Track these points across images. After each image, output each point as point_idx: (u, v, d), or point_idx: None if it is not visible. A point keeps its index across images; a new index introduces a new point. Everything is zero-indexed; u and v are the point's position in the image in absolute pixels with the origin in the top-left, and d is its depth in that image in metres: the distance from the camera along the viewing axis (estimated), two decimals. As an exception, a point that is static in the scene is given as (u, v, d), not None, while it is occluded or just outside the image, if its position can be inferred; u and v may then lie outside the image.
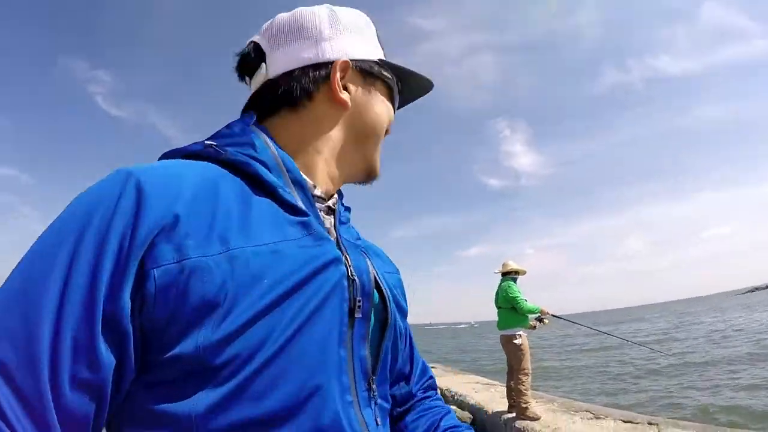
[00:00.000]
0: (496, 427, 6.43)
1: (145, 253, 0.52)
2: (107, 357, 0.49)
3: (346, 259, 0.68)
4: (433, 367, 12.62)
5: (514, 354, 6.28)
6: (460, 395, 8.24)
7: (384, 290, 0.74)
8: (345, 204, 0.84)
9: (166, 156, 0.68)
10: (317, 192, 0.74)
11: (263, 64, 0.77)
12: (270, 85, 0.76)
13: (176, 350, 0.51)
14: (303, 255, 0.62)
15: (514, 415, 6.23)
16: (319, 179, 0.76)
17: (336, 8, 0.81)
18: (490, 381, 9.74)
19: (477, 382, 9.67)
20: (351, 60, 0.77)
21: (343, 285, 0.65)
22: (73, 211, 0.54)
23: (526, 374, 6.19)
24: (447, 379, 10.25)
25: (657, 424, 5.26)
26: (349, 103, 0.77)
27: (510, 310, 6.43)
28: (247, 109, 0.80)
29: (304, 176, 0.72)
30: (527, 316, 6.41)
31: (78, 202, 0.55)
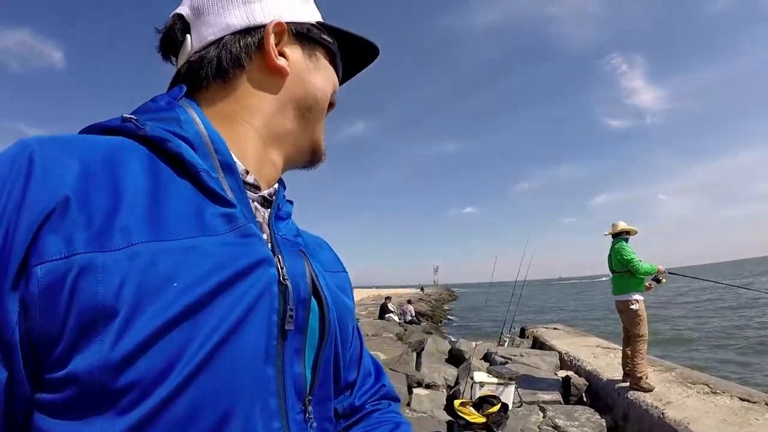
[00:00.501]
0: (609, 396, 6.49)
1: (29, 245, 0.44)
2: None
3: (279, 261, 0.59)
4: (554, 328, 12.80)
5: (630, 320, 6.16)
6: (578, 360, 8.32)
7: (323, 296, 0.64)
8: (288, 198, 0.77)
9: (84, 132, 0.59)
10: (250, 179, 0.66)
11: (188, 36, 0.69)
12: (197, 58, 0.67)
13: (69, 368, 0.43)
14: (225, 254, 0.53)
15: (627, 384, 6.16)
16: (254, 164, 0.68)
17: None
18: (611, 345, 9.60)
19: (597, 346, 9.60)
20: (286, 23, 0.69)
21: (273, 291, 0.56)
22: None
23: (643, 341, 6.07)
24: (566, 342, 10.31)
25: (776, 405, 5.05)
26: (288, 70, 0.69)
27: (625, 273, 6.27)
28: (175, 84, 0.70)
29: (236, 159, 0.63)
30: (643, 279, 6.21)
31: None
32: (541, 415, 4.93)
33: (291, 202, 0.77)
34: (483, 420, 4.50)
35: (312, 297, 0.63)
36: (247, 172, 0.65)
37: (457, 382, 7.28)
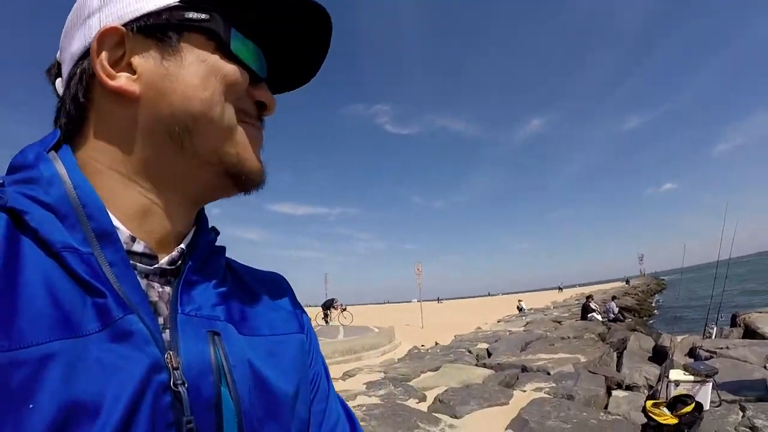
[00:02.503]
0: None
1: None
2: None
3: (170, 358, 0.46)
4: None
5: None
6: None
7: (233, 391, 0.50)
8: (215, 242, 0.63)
9: None
10: (138, 247, 0.52)
11: (58, 80, 0.58)
12: (59, 104, 0.56)
13: None
14: (93, 362, 0.41)
15: None
16: (139, 223, 0.53)
17: None
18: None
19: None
20: (125, 23, 0.52)
21: (163, 404, 0.44)
22: None
23: None
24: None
25: None
26: (134, 88, 0.52)
27: None
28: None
29: (118, 223, 0.51)
30: None
31: None
32: (741, 414, 4.79)
33: (221, 252, 0.64)
34: (675, 421, 4.52)
35: (228, 394, 0.50)
36: (134, 239, 0.52)
37: (657, 382, 7.18)
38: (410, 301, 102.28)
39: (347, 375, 9.99)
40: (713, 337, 10.30)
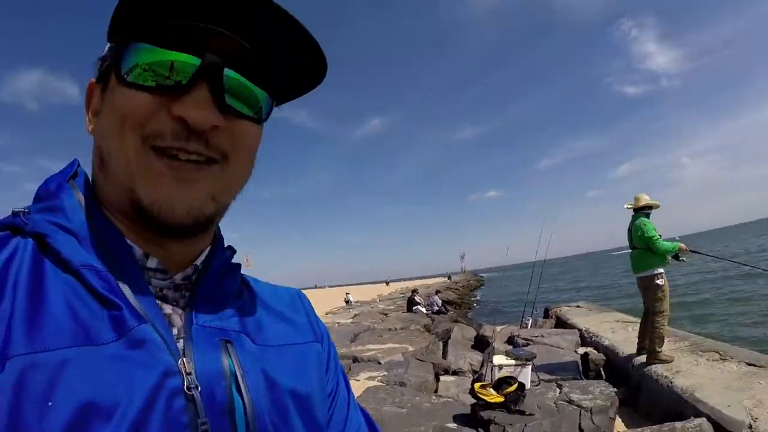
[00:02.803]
0: (625, 369, 6.79)
1: None
2: None
3: (184, 364, 0.50)
4: (577, 306, 13.07)
5: (651, 295, 6.24)
6: (597, 336, 8.62)
7: (245, 396, 0.53)
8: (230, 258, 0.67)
9: None
10: (152, 263, 0.57)
11: None
12: None
13: None
14: (108, 368, 0.45)
15: (644, 357, 6.35)
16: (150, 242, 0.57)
17: None
18: (630, 318, 9.85)
19: (617, 320, 9.88)
20: (98, 75, 0.59)
21: (176, 407, 0.47)
22: None
23: (664, 316, 6.15)
24: (588, 319, 10.58)
25: (782, 368, 5.22)
26: (91, 129, 0.59)
27: (646, 250, 6.31)
28: None
29: (132, 243, 0.56)
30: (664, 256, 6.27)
31: None
32: (558, 391, 5.14)
33: (236, 268, 0.67)
34: (501, 399, 4.72)
35: (240, 399, 0.52)
36: (147, 256, 0.56)
37: (481, 367, 7.55)
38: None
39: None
40: (529, 327, 11.25)
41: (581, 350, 8.02)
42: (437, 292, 22.97)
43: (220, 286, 0.62)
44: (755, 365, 5.58)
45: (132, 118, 0.51)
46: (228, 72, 0.53)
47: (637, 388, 6.22)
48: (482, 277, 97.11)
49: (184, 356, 0.51)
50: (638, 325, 6.98)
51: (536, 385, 5.74)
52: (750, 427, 4.14)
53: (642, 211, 6.54)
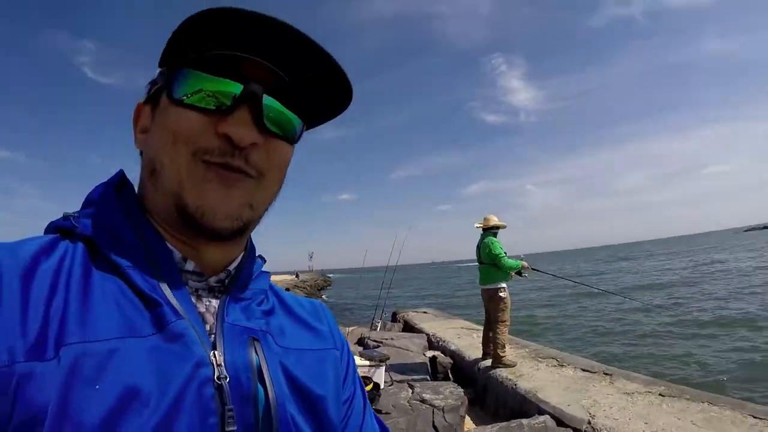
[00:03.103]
0: (471, 372, 7.04)
1: None
2: None
3: (215, 357, 0.55)
4: (423, 312, 13.42)
5: (495, 306, 6.61)
6: (444, 341, 8.89)
7: (269, 387, 0.58)
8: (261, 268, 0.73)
9: (47, 229, 0.62)
10: (189, 266, 0.62)
11: None
12: None
13: None
14: (150, 358, 0.50)
15: (489, 362, 6.71)
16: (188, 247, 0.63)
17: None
18: (474, 326, 10.39)
19: (462, 327, 10.36)
20: (146, 96, 0.67)
21: (206, 394, 0.52)
22: None
23: (506, 325, 6.58)
24: (435, 325, 10.96)
25: (610, 374, 5.80)
26: (143, 144, 0.66)
27: (492, 265, 6.70)
28: None
29: (172, 247, 0.61)
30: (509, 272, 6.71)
31: None
32: (410, 391, 5.19)
33: (265, 276, 0.73)
34: None
35: (263, 390, 0.57)
36: (185, 259, 0.62)
37: None
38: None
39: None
40: (378, 329, 11.26)
41: (429, 353, 8.17)
42: (287, 290, 22.51)
43: (249, 291, 0.68)
44: (589, 371, 6.14)
45: (183, 134, 0.58)
46: (266, 99, 0.60)
47: (483, 389, 6.47)
48: (329, 277, 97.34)
49: (215, 350, 0.56)
50: (482, 332, 7.32)
51: (390, 385, 5.73)
52: (589, 422, 4.44)
53: (490, 230, 7.02)
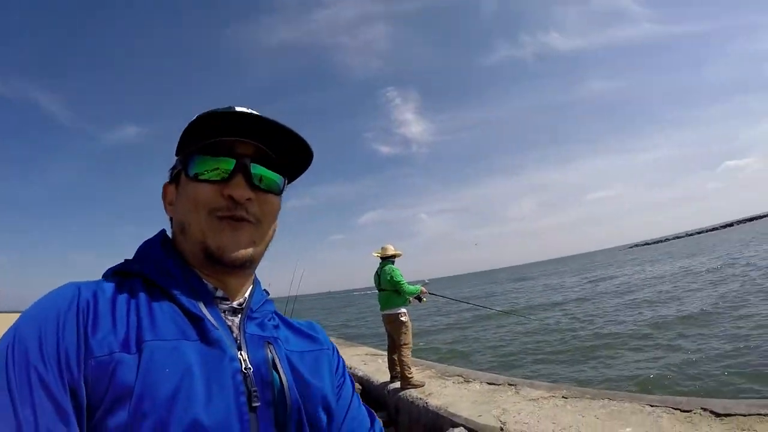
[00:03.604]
0: (381, 396, 7.10)
1: (85, 348, 0.66)
2: (74, 420, 0.62)
3: (241, 355, 0.78)
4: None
5: (397, 330, 6.78)
6: (351, 367, 8.79)
7: (282, 376, 0.81)
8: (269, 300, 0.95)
9: (106, 273, 0.83)
10: (219, 293, 0.85)
11: None
12: None
13: (103, 425, 0.63)
14: (198, 354, 0.73)
15: (398, 384, 6.80)
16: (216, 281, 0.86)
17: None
18: (378, 351, 10.49)
19: (366, 354, 10.39)
20: (170, 182, 0.93)
21: (237, 379, 0.74)
22: (39, 315, 0.69)
23: (409, 347, 6.75)
24: (341, 352, 10.77)
25: (515, 385, 6.12)
26: (170, 211, 0.91)
27: (393, 292, 6.92)
28: None
29: (206, 282, 0.84)
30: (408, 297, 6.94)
31: (41, 307, 0.71)
32: None
33: (270, 301, 0.96)
34: None
35: (277, 377, 0.81)
36: (216, 288, 0.85)
37: None
38: None
39: None
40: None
41: (336, 381, 8.03)
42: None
43: (259, 312, 0.90)
44: (494, 384, 6.41)
45: (201, 200, 0.83)
46: (254, 167, 0.86)
47: (396, 410, 6.52)
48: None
49: (241, 350, 0.80)
50: (386, 357, 7.45)
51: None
52: (501, 429, 4.65)
53: (389, 258, 7.29)
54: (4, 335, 0.68)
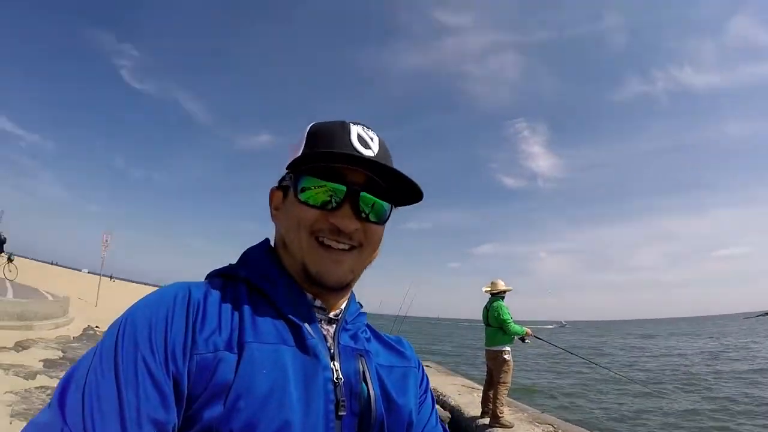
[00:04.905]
0: (470, 429, 7.23)
1: (192, 345, 0.71)
2: (173, 408, 0.66)
3: (334, 365, 0.80)
4: (426, 366, 13.39)
5: (499, 368, 6.85)
6: (444, 395, 9.06)
7: (370, 388, 0.83)
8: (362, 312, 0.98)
9: (210, 275, 0.88)
10: (317, 303, 0.87)
11: None
12: None
13: (199, 416, 0.67)
14: (294, 359, 0.76)
15: (486, 420, 6.89)
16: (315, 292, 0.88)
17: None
18: (474, 385, 10.53)
19: (463, 385, 10.51)
20: (280, 181, 0.93)
21: (329, 388, 0.77)
22: (151, 309, 0.73)
23: (506, 386, 6.79)
24: (438, 379, 11.07)
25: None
26: (276, 221, 0.93)
27: (498, 329, 6.99)
28: None
29: (306, 292, 0.87)
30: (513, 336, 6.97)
31: (151, 302, 0.75)
32: None
33: (363, 314, 0.99)
34: None
35: (366, 389, 0.83)
36: (314, 299, 0.88)
37: None
38: (80, 270, 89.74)
39: (20, 346, 9.21)
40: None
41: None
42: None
43: (353, 324, 0.93)
44: None
45: (305, 223, 0.84)
46: (363, 194, 0.85)
47: (480, 446, 6.56)
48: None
49: (334, 360, 0.82)
50: (481, 392, 7.53)
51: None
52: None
53: (498, 294, 7.31)
54: (116, 321, 0.72)
